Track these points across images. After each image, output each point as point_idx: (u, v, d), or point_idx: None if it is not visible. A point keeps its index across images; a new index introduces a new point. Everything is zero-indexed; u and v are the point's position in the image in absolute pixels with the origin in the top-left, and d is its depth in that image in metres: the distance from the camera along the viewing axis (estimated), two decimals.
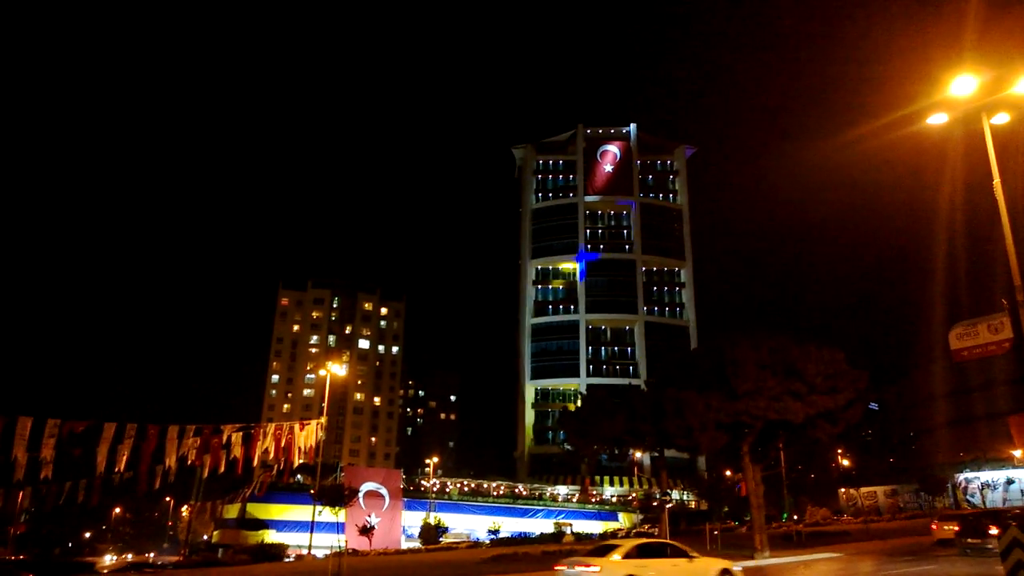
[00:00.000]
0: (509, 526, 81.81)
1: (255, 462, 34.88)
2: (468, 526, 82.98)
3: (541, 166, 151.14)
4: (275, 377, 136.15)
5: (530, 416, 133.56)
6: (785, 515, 68.86)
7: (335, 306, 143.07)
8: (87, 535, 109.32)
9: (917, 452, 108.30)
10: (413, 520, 75.67)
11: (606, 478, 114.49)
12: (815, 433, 34.34)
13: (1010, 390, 76.07)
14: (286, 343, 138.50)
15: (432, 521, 69.30)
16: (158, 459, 30.20)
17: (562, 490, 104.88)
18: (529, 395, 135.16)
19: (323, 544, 53.87)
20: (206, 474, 32.76)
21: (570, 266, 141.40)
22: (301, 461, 37.65)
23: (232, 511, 75.56)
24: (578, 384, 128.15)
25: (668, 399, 34.79)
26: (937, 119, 17.97)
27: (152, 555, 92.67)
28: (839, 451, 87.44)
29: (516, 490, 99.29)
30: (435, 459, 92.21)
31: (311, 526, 50.75)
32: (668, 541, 22.73)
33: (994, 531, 24.97)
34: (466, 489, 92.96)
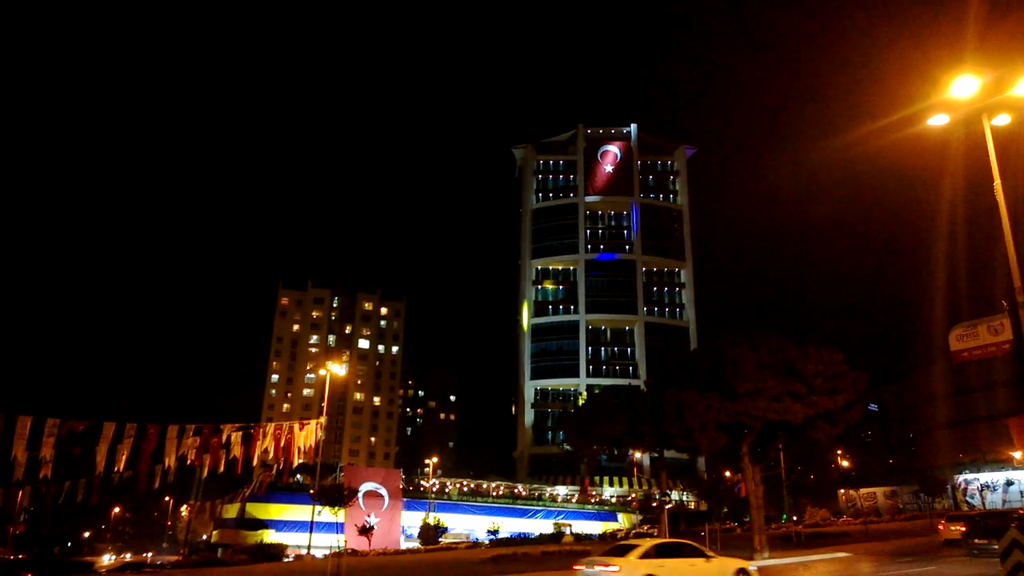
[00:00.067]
0: (508, 526, 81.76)
1: (255, 462, 34.91)
2: (467, 526, 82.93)
3: (541, 166, 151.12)
4: (275, 377, 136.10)
5: (530, 416, 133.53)
6: (784, 516, 68.86)
7: (335, 306, 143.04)
8: (86, 534, 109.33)
9: (916, 453, 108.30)
10: (412, 520, 75.63)
11: (605, 478, 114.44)
12: (814, 434, 34.34)
13: (1010, 391, 76.11)
14: (286, 343, 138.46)
15: (431, 521, 69.24)
16: (157, 458, 30.22)
17: (561, 490, 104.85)
18: (529, 395, 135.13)
19: (322, 544, 53.83)
20: (205, 474, 32.72)
21: (570, 266, 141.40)
22: (300, 461, 37.69)
23: (231, 511, 75.54)
24: (578, 384, 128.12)
25: (668, 400, 34.79)
26: (938, 120, 17.96)
27: (150, 554, 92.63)
28: (838, 452, 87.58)
29: (515, 490, 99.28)
30: (434, 459, 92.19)
31: (310, 526, 50.73)
32: (685, 541, 22.82)
33: None
34: (465, 489, 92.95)
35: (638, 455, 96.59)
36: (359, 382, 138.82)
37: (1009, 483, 69.43)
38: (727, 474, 69.10)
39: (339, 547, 36.16)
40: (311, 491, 53.50)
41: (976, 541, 26.90)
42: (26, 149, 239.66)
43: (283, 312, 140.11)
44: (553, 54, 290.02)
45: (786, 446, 44.17)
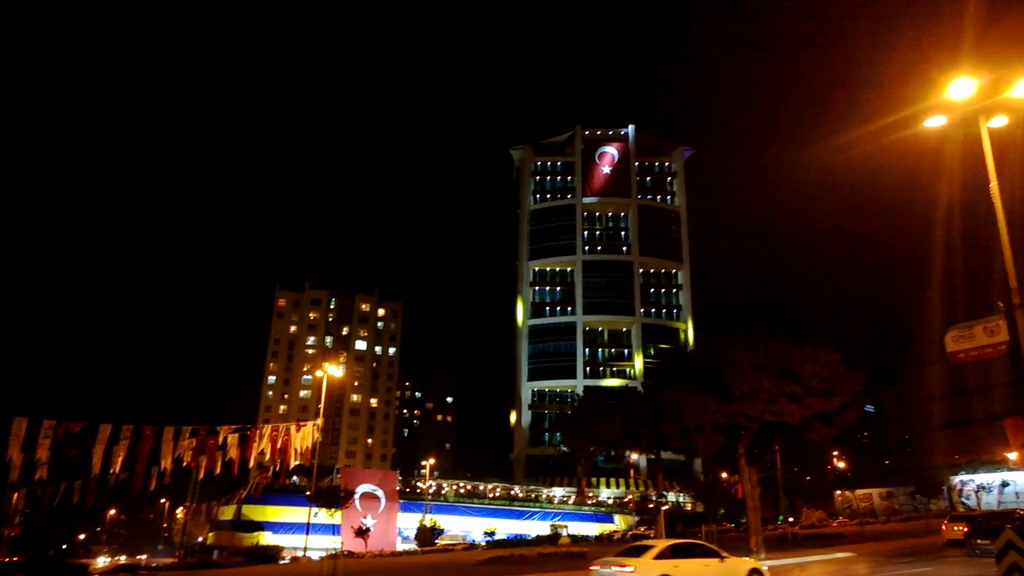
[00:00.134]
0: (505, 528, 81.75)
1: (251, 464, 34.81)
2: (464, 528, 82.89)
3: (539, 167, 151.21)
4: (272, 378, 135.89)
5: (527, 418, 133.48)
6: (781, 517, 68.95)
7: (332, 307, 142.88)
8: (82, 537, 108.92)
9: (913, 454, 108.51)
10: (409, 522, 75.57)
11: (602, 480, 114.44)
12: (811, 435, 34.35)
13: (1006, 392, 76.27)
14: (283, 344, 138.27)
15: (428, 523, 69.21)
16: (154, 460, 30.07)
17: (558, 492, 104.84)
18: (526, 396, 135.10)
19: (319, 546, 53.78)
20: (202, 476, 32.53)
21: (567, 267, 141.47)
22: (297, 463, 37.50)
23: (228, 513, 75.42)
24: (575, 386, 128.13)
25: (665, 401, 34.80)
26: (935, 122, 17.99)
27: (144, 557, 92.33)
28: (835, 453, 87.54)
29: (512, 492, 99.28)
30: (431, 461, 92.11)
31: (307, 528, 50.59)
32: (699, 541, 22.93)
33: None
34: (462, 491, 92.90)
35: (635, 456, 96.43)
36: (356, 383, 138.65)
37: (1005, 484, 69.52)
38: (724, 475, 69.15)
39: (335, 549, 36.14)
40: (307, 493, 53.42)
41: (978, 541, 27.02)
42: (25, 149, 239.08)
43: (280, 313, 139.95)
44: (551, 55, 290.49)
45: (783, 447, 44.22)
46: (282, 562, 50.83)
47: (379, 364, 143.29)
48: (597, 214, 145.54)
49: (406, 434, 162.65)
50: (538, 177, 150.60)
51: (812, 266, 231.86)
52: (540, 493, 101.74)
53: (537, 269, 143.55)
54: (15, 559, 62.40)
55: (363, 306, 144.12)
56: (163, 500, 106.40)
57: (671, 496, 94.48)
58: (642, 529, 70.99)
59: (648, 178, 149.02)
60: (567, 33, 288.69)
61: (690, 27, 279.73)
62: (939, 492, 76.27)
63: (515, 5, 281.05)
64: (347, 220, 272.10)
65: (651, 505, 71.34)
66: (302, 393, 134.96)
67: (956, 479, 76.70)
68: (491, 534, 74.66)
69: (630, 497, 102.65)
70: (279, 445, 34.51)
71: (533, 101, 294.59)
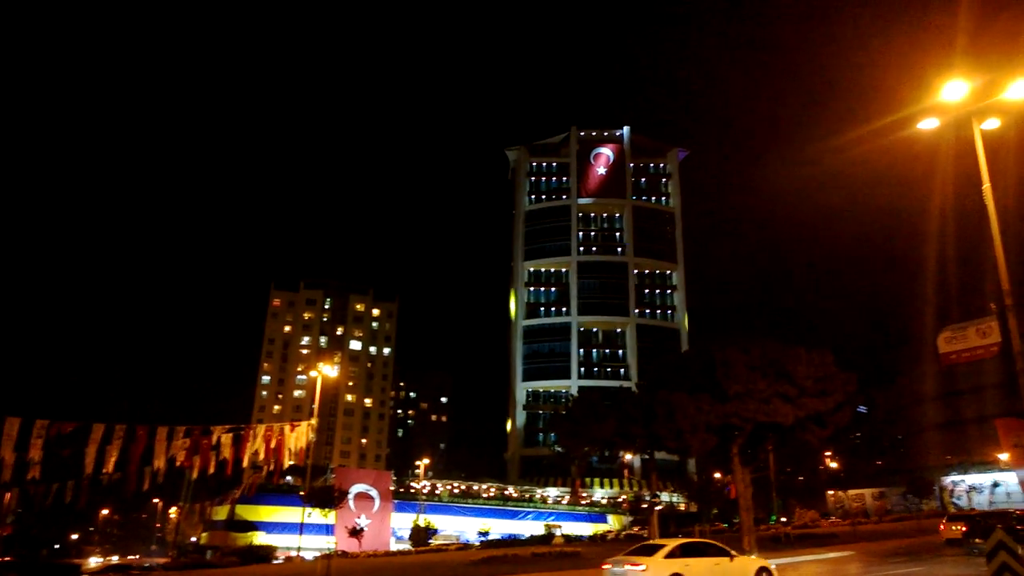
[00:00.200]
0: (499, 528, 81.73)
1: (245, 463, 34.67)
2: (458, 528, 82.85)
3: (534, 168, 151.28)
4: (266, 378, 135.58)
5: (521, 418, 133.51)
6: (774, 517, 69.15)
7: (327, 307, 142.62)
8: (74, 537, 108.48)
9: (905, 455, 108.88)
10: (403, 522, 75.49)
11: (596, 480, 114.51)
12: (804, 435, 34.51)
13: (998, 394, 76.43)
14: (277, 344, 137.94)
15: (422, 523, 69.19)
16: (147, 460, 29.97)
17: (552, 492, 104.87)
18: (520, 397, 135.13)
19: (313, 546, 53.74)
20: (195, 476, 32.50)
21: (562, 268, 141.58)
22: (291, 463, 37.50)
23: (221, 513, 75.19)
24: (569, 386, 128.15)
25: (659, 401, 34.90)
26: (928, 124, 18.09)
27: (137, 557, 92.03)
28: (828, 454, 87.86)
29: (506, 492, 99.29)
30: (426, 461, 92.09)
31: (300, 528, 50.52)
32: (709, 541, 23.10)
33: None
34: (456, 491, 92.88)
35: (629, 457, 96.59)
36: (351, 383, 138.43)
37: (996, 484, 69.94)
38: (717, 476, 69.35)
39: (329, 549, 36.10)
40: (301, 493, 53.31)
41: (976, 540, 27.16)
42: (23, 149, 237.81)
43: (275, 313, 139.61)
44: (546, 56, 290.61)
45: (776, 448, 44.33)
46: (276, 562, 50.70)
47: (374, 364, 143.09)
48: (592, 215, 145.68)
49: (400, 434, 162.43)
50: (533, 178, 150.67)
51: (807, 267, 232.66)
52: (534, 493, 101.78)
53: (532, 270, 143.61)
54: (7, 559, 62.12)
55: (358, 306, 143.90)
56: (156, 500, 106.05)
57: (665, 496, 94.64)
58: (636, 529, 71.06)
59: (643, 179, 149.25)
60: (562, 34, 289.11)
61: (686, 28, 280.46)
62: (931, 492, 76.67)
63: (510, 6, 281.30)
64: (342, 220, 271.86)
65: (645, 505, 71.51)
66: (296, 393, 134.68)
67: (948, 479, 77.13)
68: (485, 534, 74.67)
69: (624, 497, 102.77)
70: (273, 445, 34.42)
71: (528, 102, 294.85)
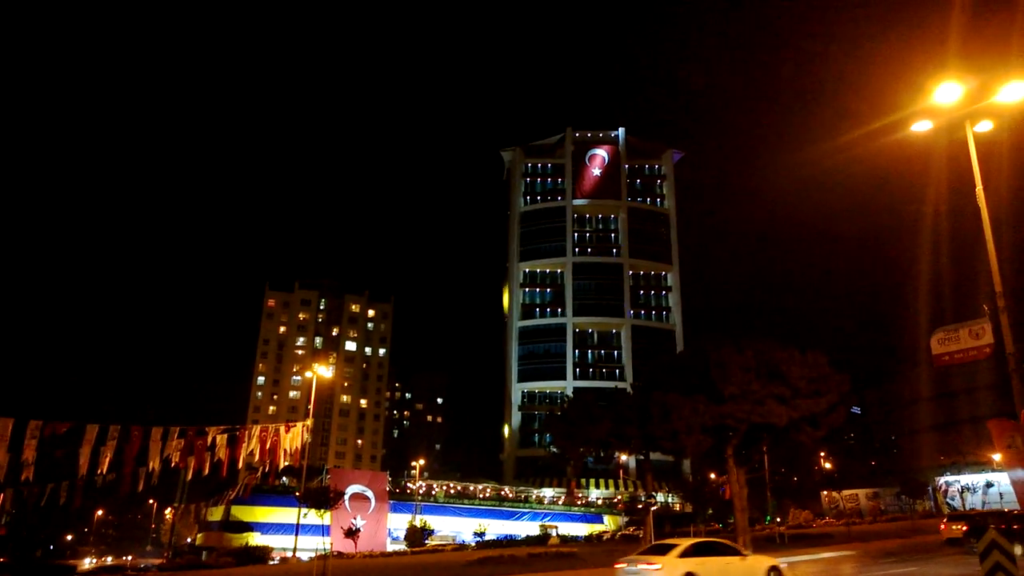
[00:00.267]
0: (495, 528, 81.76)
1: (240, 464, 34.62)
2: (454, 528, 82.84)
3: (529, 169, 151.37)
4: (261, 379, 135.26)
5: (517, 419, 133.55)
6: (768, 517, 69.31)
7: (322, 308, 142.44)
8: (69, 538, 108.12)
9: (899, 455, 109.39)
10: (399, 522, 75.46)
11: (592, 481, 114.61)
12: (798, 436, 34.66)
13: (991, 395, 76.90)
14: (272, 344, 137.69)
15: (418, 523, 69.13)
16: (141, 461, 29.91)
17: (548, 492, 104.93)
18: (516, 398, 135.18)
19: (308, 547, 53.64)
20: (190, 476, 32.37)
21: (558, 269, 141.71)
22: (286, 463, 37.40)
23: (216, 513, 75.06)
24: (565, 387, 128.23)
25: (654, 402, 35.01)
26: (921, 126, 18.20)
27: (130, 557, 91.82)
28: (822, 454, 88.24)
29: (502, 492, 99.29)
30: (421, 461, 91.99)
31: (296, 529, 50.54)
32: (721, 540, 23.26)
33: (1015, 528, 25.44)
34: (452, 491, 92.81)
35: (624, 457, 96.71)
36: (346, 384, 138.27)
37: (989, 485, 70.29)
38: (712, 476, 69.52)
39: (325, 550, 36.06)
40: (297, 494, 53.29)
41: (976, 540, 27.28)
42: (21, 149, 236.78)
43: (269, 314, 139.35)
44: (541, 57, 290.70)
45: (770, 448, 44.53)
46: (271, 563, 50.67)
47: (369, 365, 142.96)
48: (587, 216, 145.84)
49: (396, 435, 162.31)
50: (528, 179, 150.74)
51: (801, 268, 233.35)
52: (530, 494, 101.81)
53: (527, 271, 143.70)
54: (2, 560, 61.95)
55: (353, 307, 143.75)
56: (151, 501, 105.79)
57: (660, 497, 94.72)
58: (631, 530, 71.17)
59: (638, 180, 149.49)
60: (558, 35, 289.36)
61: (682, 30, 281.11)
62: (924, 493, 77.04)
63: (506, 7, 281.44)
64: (337, 221, 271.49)
65: (640, 506, 71.55)
66: (291, 394, 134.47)
67: (941, 480, 77.48)
68: (481, 534, 74.69)
69: (619, 498, 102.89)
70: (268, 446, 34.38)
71: (524, 103, 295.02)
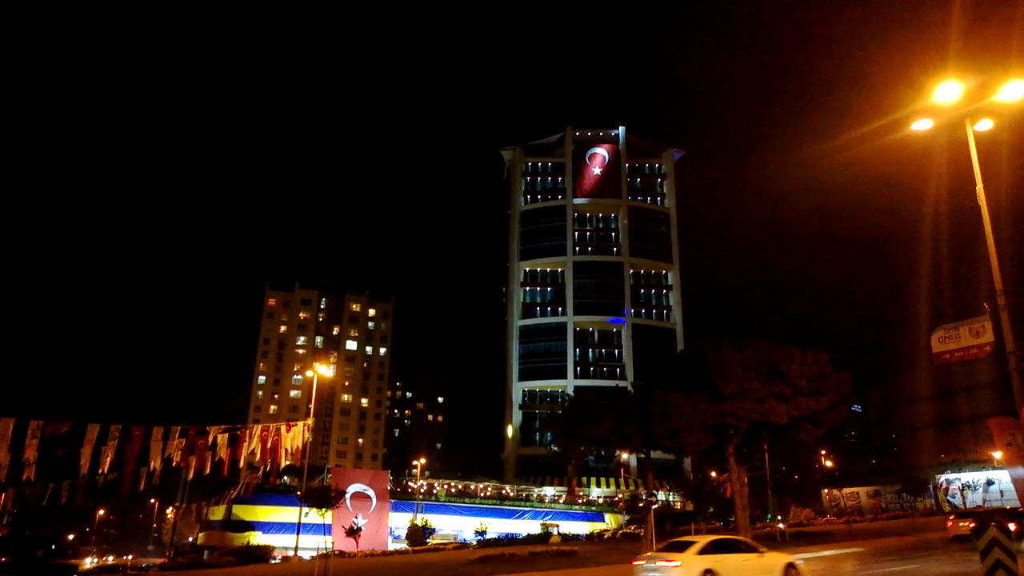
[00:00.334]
0: (496, 527, 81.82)
1: (241, 464, 34.68)
2: (455, 527, 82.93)
3: (530, 168, 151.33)
4: (262, 378, 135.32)
5: (517, 417, 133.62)
6: (769, 516, 69.33)
7: (322, 307, 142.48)
8: (71, 537, 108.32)
9: (899, 454, 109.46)
10: (400, 521, 75.52)
11: (593, 479, 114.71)
12: (799, 435, 34.70)
13: (991, 392, 76.98)
14: (273, 344, 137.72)
15: (419, 522, 69.18)
16: (143, 460, 29.95)
17: (549, 491, 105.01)
18: (516, 397, 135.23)
19: (310, 546, 53.69)
20: (191, 476, 32.43)
21: (558, 268, 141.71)
22: (287, 463, 37.50)
23: (218, 513, 75.15)
24: (565, 386, 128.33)
25: (655, 401, 35.04)
26: (921, 125, 18.21)
27: (131, 557, 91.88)
28: (822, 452, 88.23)
29: (503, 491, 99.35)
30: (422, 460, 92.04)
31: (297, 528, 50.57)
32: (738, 537, 23.34)
33: (1011, 527, 25.49)
34: (453, 490, 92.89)
35: (625, 456, 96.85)
36: (347, 383, 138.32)
37: (990, 482, 70.32)
38: (713, 474, 69.52)
39: (326, 549, 36.11)
40: (298, 493, 53.35)
41: None
42: (20, 149, 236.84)
43: (270, 313, 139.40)
44: (541, 56, 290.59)
45: (771, 447, 44.58)
46: (273, 562, 50.74)
47: (369, 364, 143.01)
48: (588, 215, 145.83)
49: (397, 434, 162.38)
50: (529, 178, 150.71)
51: (802, 267, 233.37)
52: (531, 492, 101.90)
53: (528, 270, 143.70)
54: (3, 560, 62.05)
55: (353, 306, 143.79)
56: (152, 500, 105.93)
57: (661, 495, 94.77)
58: (632, 528, 71.24)
59: (638, 179, 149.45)
60: (558, 33, 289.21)
61: (681, 29, 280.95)
62: (925, 491, 77.07)
63: (505, 6, 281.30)
64: (337, 220, 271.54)
65: (641, 504, 71.59)
66: (292, 393, 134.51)
67: (942, 478, 77.51)
68: (482, 533, 74.71)
69: (620, 496, 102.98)
70: (269, 445, 34.45)
71: (524, 102, 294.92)
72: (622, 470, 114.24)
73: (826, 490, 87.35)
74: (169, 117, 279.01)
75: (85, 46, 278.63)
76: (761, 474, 56.86)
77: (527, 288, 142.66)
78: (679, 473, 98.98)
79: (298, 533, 51.10)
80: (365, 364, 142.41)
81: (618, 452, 68.20)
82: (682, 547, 20.86)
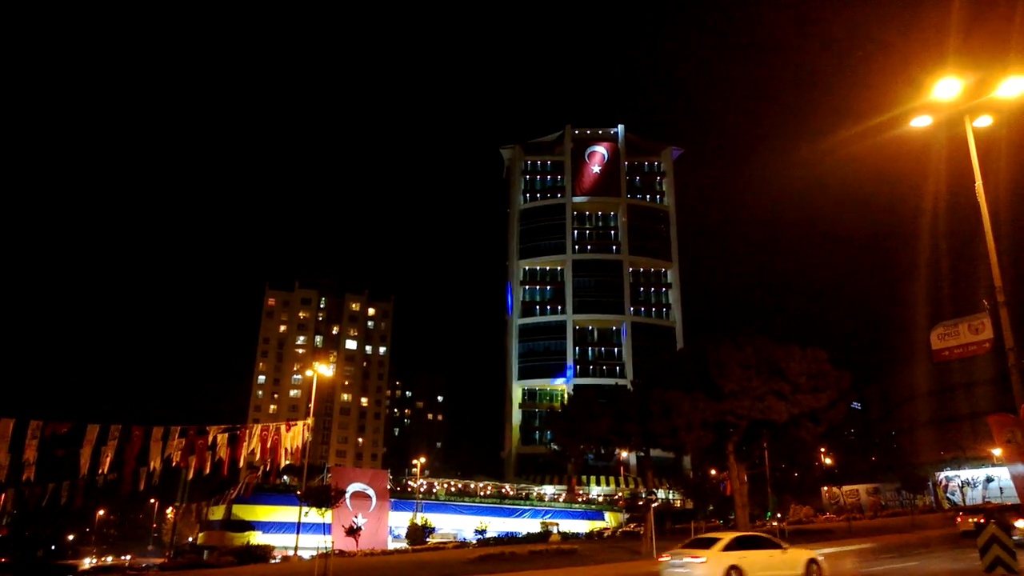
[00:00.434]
0: (496, 526, 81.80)
1: (241, 463, 34.67)
2: (455, 526, 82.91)
3: (529, 167, 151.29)
4: (261, 378, 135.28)
5: (517, 416, 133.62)
6: (769, 513, 69.38)
7: (322, 306, 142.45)
8: (70, 537, 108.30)
9: (899, 451, 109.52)
10: (400, 521, 75.50)
11: (592, 478, 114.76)
12: (798, 432, 34.72)
13: (990, 389, 76.98)
14: (272, 343, 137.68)
15: (419, 521, 69.15)
16: (142, 461, 29.93)
17: (549, 490, 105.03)
18: (516, 395, 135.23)
19: (309, 545, 53.67)
20: (191, 476, 32.39)
21: (557, 266, 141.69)
22: (287, 462, 37.48)
23: (217, 513, 75.13)
24: (565, 384, 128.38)
25: (654, 399, 35.04)
26: (921, 122, 18.19)
27: (129, 557, 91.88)
28: (822, 450, 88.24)
29: (503, 490, 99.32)
30: (422, 459, 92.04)
31: (297, 527, 50.55)
32: (762, 534, 23.57)
33: (1020, 523, 25.52)
34: (453, 489, 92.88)
35: (624, 454, 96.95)
36: (346, 383, 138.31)
37: (989, 479, 70.33)
38: (713, 472, 69.52)
39: (326, 548, 36.08)
40: (298, 492, 53.32)
41: None
42: (20, 148, 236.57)
43: (270, 313, 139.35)
44: (541, 54, 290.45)
45: (771, 444, 44.54)
46: (273, 562, 50.71)
47: (369, 363, 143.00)
48: (587, 213, 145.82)
49: (397, 433, 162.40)
50: (528, 176, 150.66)
51: (801, 264, 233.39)
52: (531, 491, 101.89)
53: (527, 268, 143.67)
54: (3, 560, 62.03)
55: (353, 305, 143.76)
56: (152, 500, 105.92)
57: (661, 493, 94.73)
58: (632, 526, 71.24)
59: (637, 178, 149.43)
60: (557, 32, 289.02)
61: (680, 27, 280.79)
62: (925, 488, 77.09)
63: (505, 6, 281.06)
64: (337, 219, 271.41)
65: (641, 502, 71.54)
66: (292, 393, 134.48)
67: (941, 475, 77.53)
68: (482, 532, 74.67)
69: (620, 494, 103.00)
70: (269, 445, 34.43)
71: (523, 100, 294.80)
72: (622, 468, 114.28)
73: (826, 488, 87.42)
74: (169, 118, 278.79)
75: (85, 46, 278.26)
76: (761, 472, 56.85)
77: (526, 286, 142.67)
78: (679, 471, 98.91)
79: (298, 533, 51.09)
80: (365, 363, 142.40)
81: (618, 450, 68.24)
82: (707, 544, 21.12)
